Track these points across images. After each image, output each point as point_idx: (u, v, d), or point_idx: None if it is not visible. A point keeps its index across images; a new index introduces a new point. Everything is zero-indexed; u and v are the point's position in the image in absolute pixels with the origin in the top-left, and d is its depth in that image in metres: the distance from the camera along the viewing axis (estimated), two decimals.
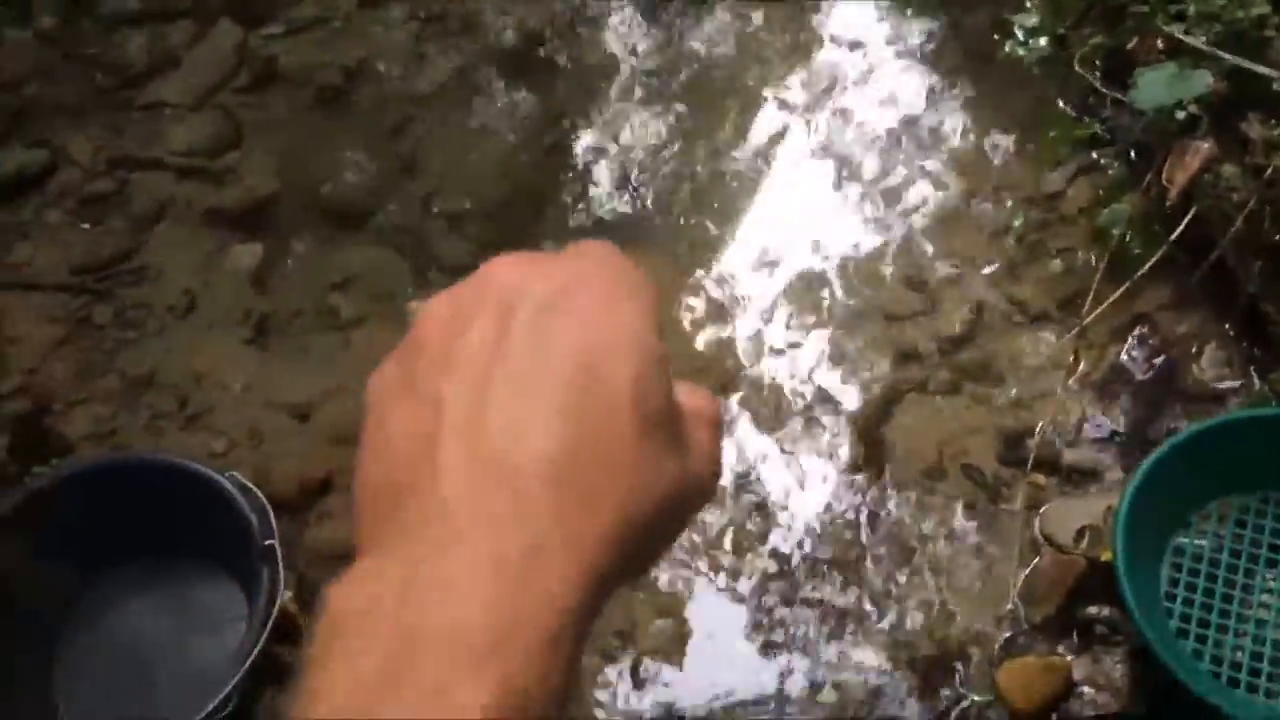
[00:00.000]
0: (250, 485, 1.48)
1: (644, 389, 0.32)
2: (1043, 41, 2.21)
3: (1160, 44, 1.94)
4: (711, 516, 1.70)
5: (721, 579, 1.65)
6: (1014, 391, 1.74)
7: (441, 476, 0.30)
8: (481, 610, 0.27)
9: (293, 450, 1.83)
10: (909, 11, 2.48)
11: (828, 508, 1.68)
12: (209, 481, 1.46)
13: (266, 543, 1.39)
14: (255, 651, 1.31)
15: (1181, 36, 1.81)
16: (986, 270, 1.93)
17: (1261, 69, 1.72)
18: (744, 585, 1.64)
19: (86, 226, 2.26)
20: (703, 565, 1.67)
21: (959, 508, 1.62)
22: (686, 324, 1.96)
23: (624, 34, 2.53)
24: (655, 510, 0.31)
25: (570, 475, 0.30)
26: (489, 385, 0.31)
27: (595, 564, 0.29)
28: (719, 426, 0.37)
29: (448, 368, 0.32)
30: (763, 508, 1.70)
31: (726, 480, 1.73)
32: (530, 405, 0.31)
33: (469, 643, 0.27)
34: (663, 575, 1.66)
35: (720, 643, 1.60)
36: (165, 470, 1.50)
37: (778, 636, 1.59)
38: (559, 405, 0.31)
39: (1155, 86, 1.70)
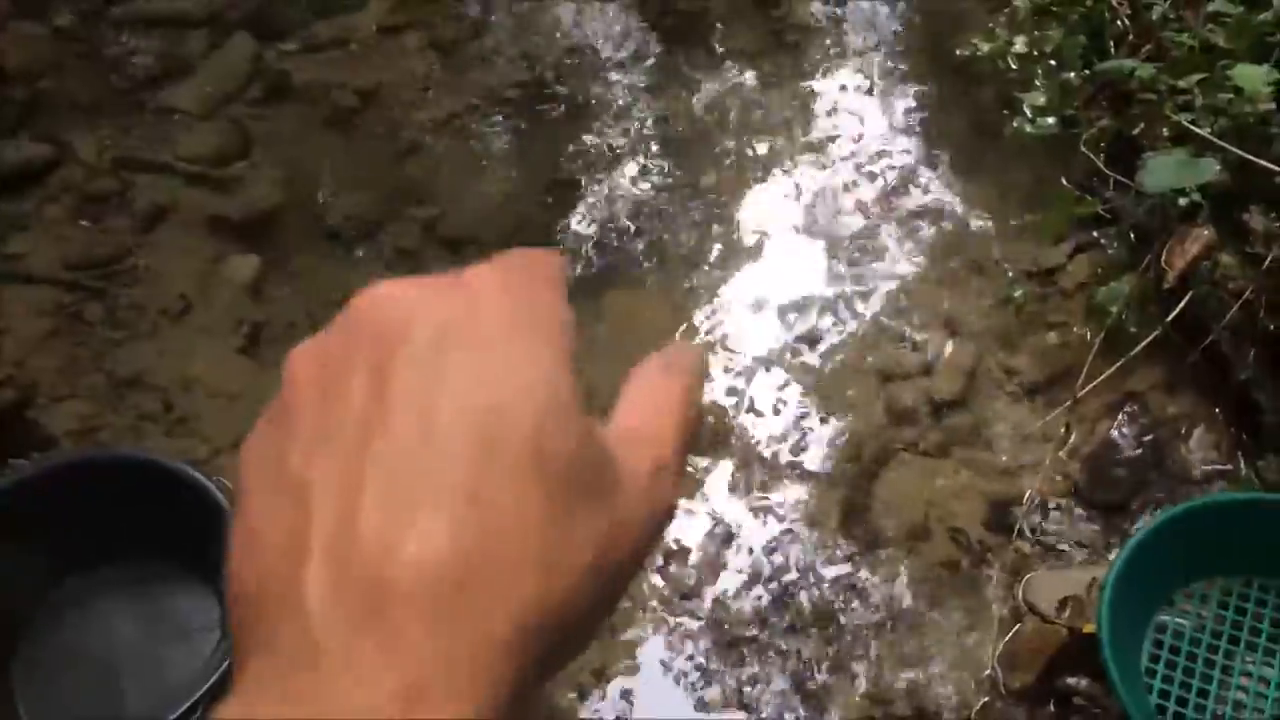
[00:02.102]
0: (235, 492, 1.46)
1: (547, 443, 0.27)
2: (1050, 120, 2.25)
3: (1166, 132, 1.98)
4: (691, 568, 1.69)
5: (696, 629, 1.64)
6: (1003, 459, 1.74)
7: (308, 603, 0.25)
8: None
9: None
10: (916, 81, 2.52)
11: (810, 563, 1.67)
12: (192, 484, 1.44)
13: None
14: (226, 663, 1.28)
15: (1189, 125, 1.85)
16: (983, 337, 1.94)
17: (1265, 163, 1.75)
18: (720, 635, 1.62)
19: (86, 224, 2.25)
20: (678, 614, 1.66)
21: (942, 571, 1.62)
22: None
23: (630, 83, 2.57)
24: (575, 588, 0.27)
25: (456, 586, 0.25)
26: (361, 474, 0.26)
27: (495, 687, 0.25)
28: (673, 438, 0.32)
29: (316, 446, 0.27)
30: (744, 560, 1.70)
31: (707, 532, 1.72)
32: (408, 497, 0.26)
33: None
34: (632, 627, 1.64)
35: (692, 693, 1.59)
36: (148, 470, 1.48)
37: (753, 690, 1.57)
38: (442, 491, 0.26)
39: (1163, 171, 1.73)
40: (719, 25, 2.70)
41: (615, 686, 1.58)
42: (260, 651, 0.26)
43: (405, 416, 0.27)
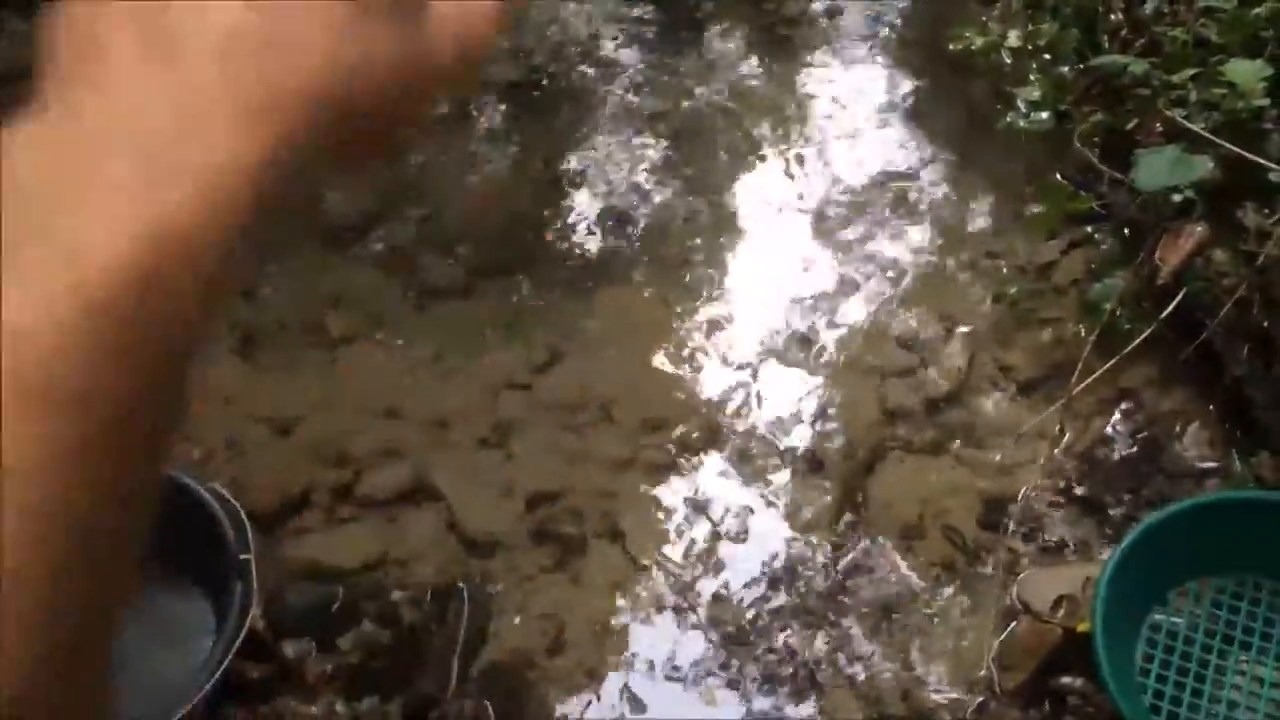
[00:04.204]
0: (229, 497, 1.46)
1: None
2: (1043, 115, 2.25)
3: (1160, 127, 1.98)
4: (687, 563, 1.69)
5: (693, 622, 1.64)
6: (998, 456, 1.75)
7: (109, 48, 0.27)
8: (124, 161, 0.25)
9: (272, 464, 1.81)
10: (910, 74, 2.52)
11: (805, 561, 1.67)
12: (187, 490, 1.44)
13: (242, 557, 1.36)
14: (222, 668, 1.29)
15: (1183, 121, 1.84)
16: (977, 334, 1.94)
17: (1258, 159, 1.75)
18: (715, 633, 1.62)
19: None
20: (674, 608, 1.66)
21: (937, 570, 1.62)
22: (673, 368, 1.97)
23: (624, 73, 2.56)
24: (363, 88, 0.29)
25: (244, 46, 0.27)
26: None
27: (270, 120, 0.27)
28: (488, 24, 0.34)
29: None
30: (739, 557, 1.70)
31: (703, 528, 1.73)
32: None
33: (111, 191, 0.25)
34: (629, 623, 1.64)
35: (686, 686, 1.59)
36: None
37: (746, 686, 1.58)
38: None
39: (1156, 168, 1.73)
40: (712, 19, 2.69)
41: (612, 683, 1.58)
42: (55, 82, 0.28)
43: None
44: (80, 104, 0.27)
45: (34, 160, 0.26)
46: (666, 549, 1.70)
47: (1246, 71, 1.88)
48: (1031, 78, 2.33)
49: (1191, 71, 1.96)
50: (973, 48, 2.42)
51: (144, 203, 0.25)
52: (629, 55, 2.63)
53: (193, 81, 0.27)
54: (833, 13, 2.66)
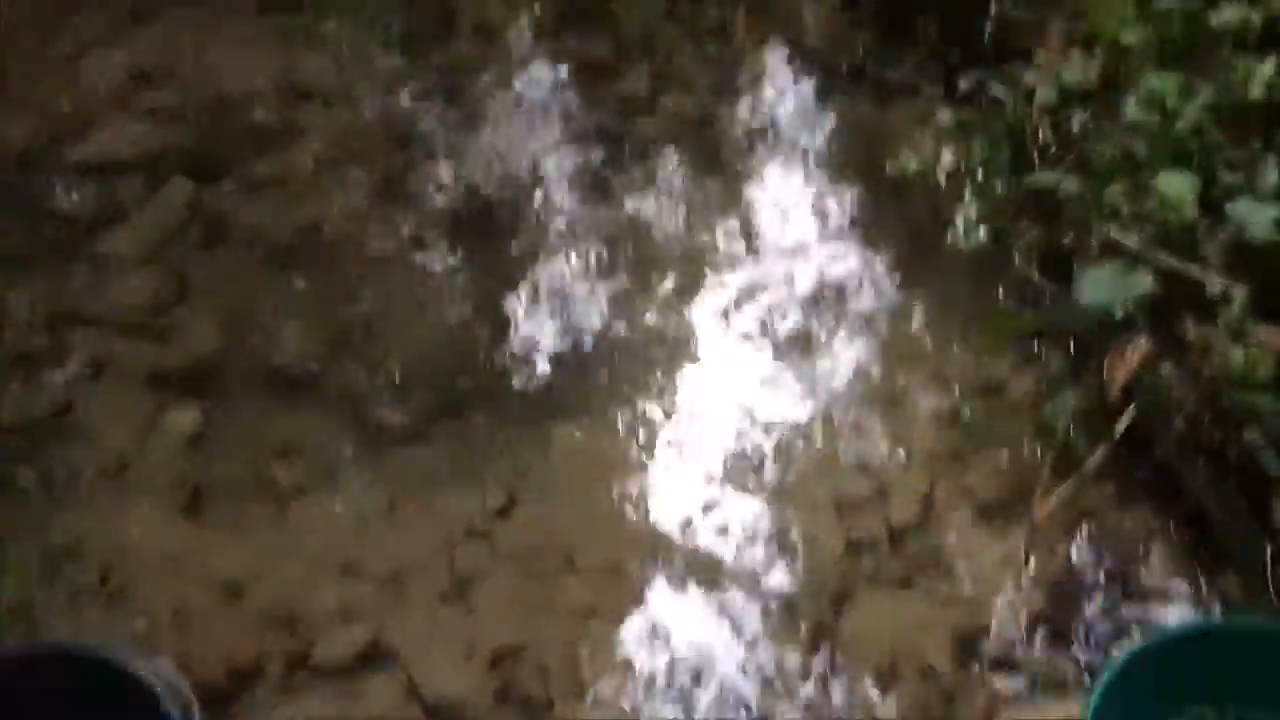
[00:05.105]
0: (176, 679, 1.39)
1: None
2: (982, 233, 2.29)
3: (1096, 242, 2.02)
4: (655, 700, 1.64)
5: None
6: (967, 587, 1.73)
7: None
8: None
9: (221, 633, 1.74)
10: (850, 195, 2.56)
11: (778, 710, 1.62)
12: (126, 674, 1.37)
13: None
14: None
15: (1117, 237, 1.88)
16: (935, 457, 1.94)
17: (1193, 273, 1.78)
18: None
19: (18, 383, 2.19)
20: None
21: (915, 715, 1.58)
22: (632, 506, 1.94)
23: (570, 202, 2.58)
24: None
25: None
26: None
27: None
28: None
29: None
30: (713, 707, 1.65)
31: (675, 674, 1.68)
32: None
33: None
34: None
35: None
36: (85, 663, 1.40)
37: None
38: None
39: (1098, 284, 1.76)
40: (653, 144, 2.73)
41: None
42: None
43: None
44: None
45: None
46: (635, 702, 1.65)
47: (1177, 185, 1.93)
48: (967, 196, 2.38)
49: (1122, 186, 2.02)
50: (909, 168, 2.48)
51: None
52: (574, 184, 2.65)
53: None
54: (772, 136, 2.71)
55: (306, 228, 2.56)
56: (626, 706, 1.63)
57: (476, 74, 2.93)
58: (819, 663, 1.66)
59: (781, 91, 2.78)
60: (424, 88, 2.88)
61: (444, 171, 2.69)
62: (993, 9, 2.55)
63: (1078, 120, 2.22)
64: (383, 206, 2.59)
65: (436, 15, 3.09)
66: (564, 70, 2.93)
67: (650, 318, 2.33)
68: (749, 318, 2.30)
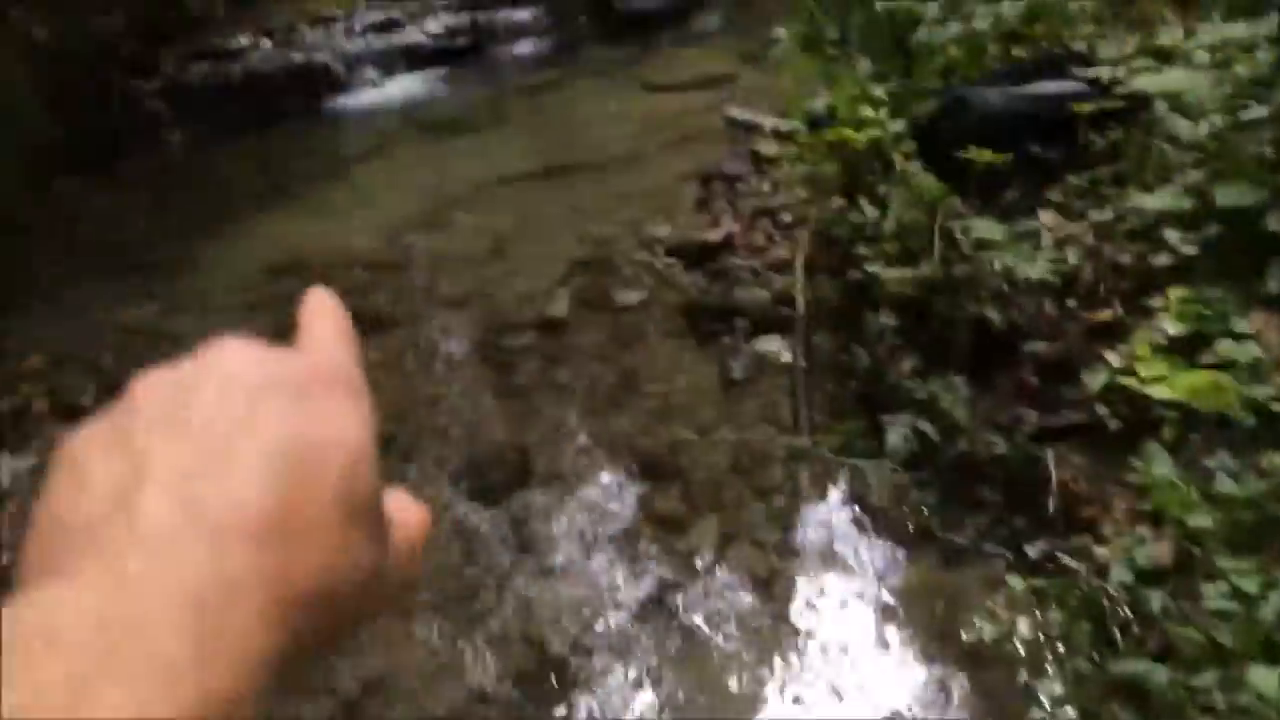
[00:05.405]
0: None
1: (352, 482, 0.34)
2: (1070, 712, 2.20)
3: None
4: None
5: None
6: None
7: (142, 515, 0.31)
8: (177, 638, 0.29)
9: None
10: (924, 663, 2.50)
11: None
12: None
13: None
14: None
15: None
16: None
17: None
18: None
19: None
20: None
21: None
22: None
23: (634, 668, 2.55)
24: (348, 590, 0.33)
25: (270, 538, 0.31)
26: (202, 448, 0.33)
27: (288, 615, 0.31)
28: (423, 536, 0.40)
29: (162, 429, 0.34)
30: None
31: None
32: (241, 473, 0.32)
33: (165, 666, 0.28)
34: None
35: None
36: None
37: None
38: (268, 477, 0.32)
39: None
40: (719, 607, 2.72)
41: None
42: (67, 557, 0.30)
43: (244, 424, 0.34)
44: (123, 569, 0.30)
45: (78, 623, 0.29)
46: None
47: (1269, 682, 1.87)
48: (1048, 669, 2.32)
49: (1213, 676, 1.95)
50: (985, 637, 2.44)
51: (194, 681, 0.29)
52: (636, 646, 2.63)
53: (228, 567, 0.30)
54: (840, 596, 2.70)
55: (371, 680, 2.54)
56: None
57: (548, 522, 3.03)
58: None
59: (848, 550, 2.81)
60: (499, 535, 2.97)
61: (512, 625, 2.70)
62: (1053, 477, 2.62)
63: (1156, 599, 2.20)
64: (446, 660, 2.58)
65: (515, 464, 3.26)
66: (634, 519, 3.01)
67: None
68: None
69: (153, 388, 0.36)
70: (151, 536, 0.31)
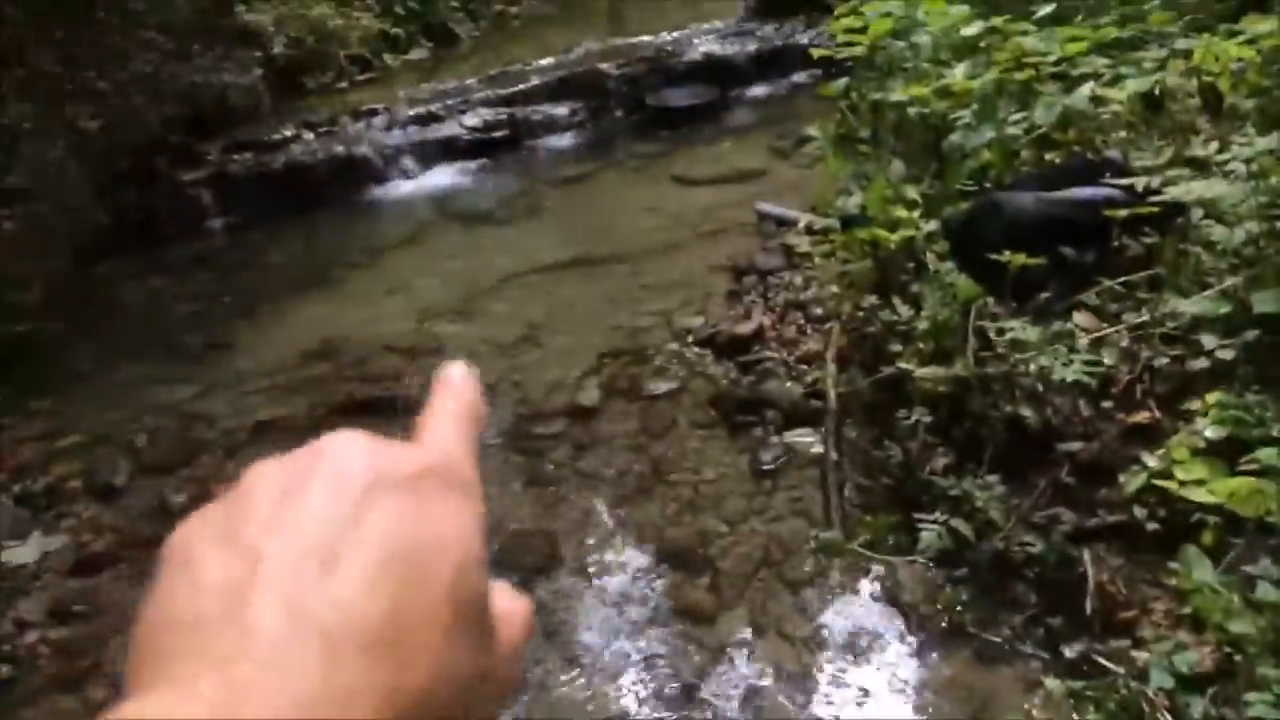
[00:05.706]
0: None
1: (462, 586, 0.34)
2: None
3: None
4: None
5: None
6: None
7: (254, 620, 0.31)
8: None
9: None
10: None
11: None
12: None
13: None
14: None
15: None
16: None
17: None
18: None
19: None
20: None
21: None
22: None
23: None
24: (455, 695, 0.33)
25: (381, 644, 0.31)
26: (312, 550, 0.33)
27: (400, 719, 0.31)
28: (527, 632, 0.39)
29: (272, 528, 0.34)
30: None
31: None
32: (352, 576, 0.32)
33: None
34: None
35: None
36: None
37: None
38: (378, 582, 0.32)
39: None
40: (756, 702, 2.69)
41: None
42: (189, 660, 0.30)
43: (355, 524, 0.34)
44: (232, 678, 0.30)
45: None
46: None
47: None
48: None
49: None
50: None
51: None
52: None
53: (338, 680, 0.30)
54: (874, 694, 2.66)
55: None
56: None
57: (575, 610, 3.01)
58: None
59: (879, 645, 2.77)
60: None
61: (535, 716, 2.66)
62: (1091, 577, 2.59)
63: (1198, 706, 2.16)
64: None
65: (543, 552, 3.25)
66: (662, 609, 2.99)
67: None
68: None
69: (263, 480, 0.36)
70: (262, 643, 0.31)
